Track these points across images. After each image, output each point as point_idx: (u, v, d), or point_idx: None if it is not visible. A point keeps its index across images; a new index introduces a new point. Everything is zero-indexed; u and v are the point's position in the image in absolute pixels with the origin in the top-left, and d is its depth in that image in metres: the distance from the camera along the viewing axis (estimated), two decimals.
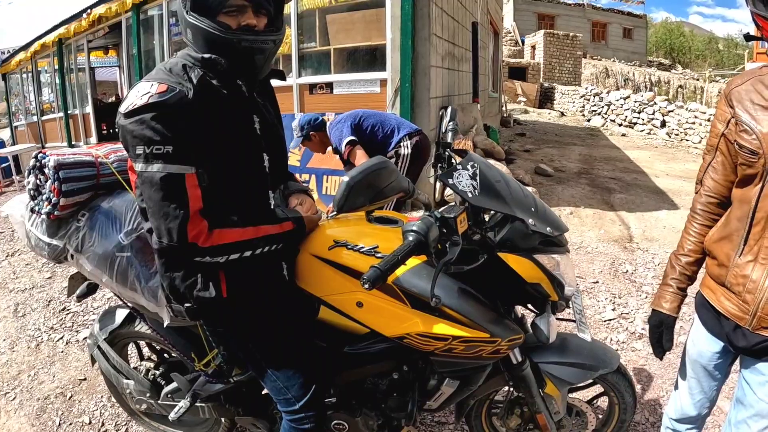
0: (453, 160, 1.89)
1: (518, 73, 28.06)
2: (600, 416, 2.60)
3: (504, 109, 18.63)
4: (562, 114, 22.44)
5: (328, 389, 2.11)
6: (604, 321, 4.34)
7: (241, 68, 1.72)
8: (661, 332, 2.00)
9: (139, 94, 1.57)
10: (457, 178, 1.72)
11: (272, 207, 1.92)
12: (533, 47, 31.25)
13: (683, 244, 1.99)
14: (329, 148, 4.95)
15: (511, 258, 1.80)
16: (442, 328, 1.80)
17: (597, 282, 5.10)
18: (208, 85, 1.68)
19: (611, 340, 4.03)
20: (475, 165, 1.78)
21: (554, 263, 1.90)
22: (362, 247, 1.87)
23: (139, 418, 2.89)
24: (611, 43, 39.67)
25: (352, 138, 4.59)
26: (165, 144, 1.56)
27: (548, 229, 1.83)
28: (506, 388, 2.37)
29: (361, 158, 4.52)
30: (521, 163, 9.64)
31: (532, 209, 1.83)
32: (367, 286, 1.40)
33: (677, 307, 1.99)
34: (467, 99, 9.89)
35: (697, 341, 2.01)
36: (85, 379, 3.64)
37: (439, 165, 1.92)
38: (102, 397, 3.40)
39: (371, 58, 6.80)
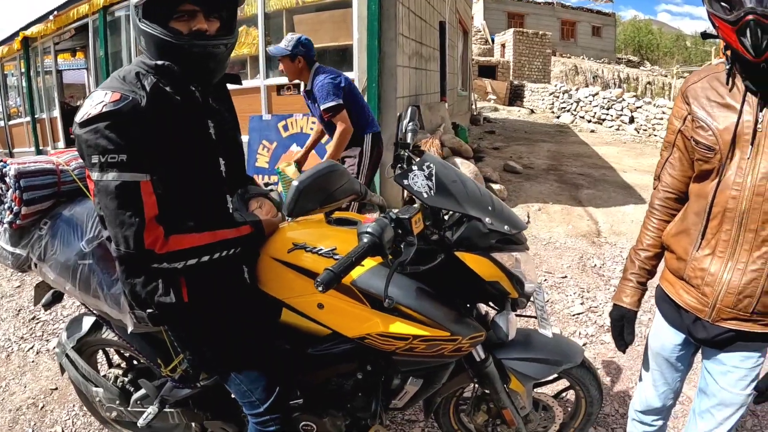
0: (412, 161, 1.90)
1: (488, 71, 28.19)
2: (568, 409, 2.64)
3: (474, 107, 18.71)
4: (532, 111, 22.57)
5: (294, 391, 2.11)
6: (573, 315, 4.39)
7: (193, 74, 1.73)
8: (623, 326, 2.04)
9: (93, 103, 1.58)
10: (413, 178, 1.73)
11: (230, 211, 1.93)
12: (503, 45, 31.40)
13: (642, 239, 2.03)
14: (302, 86, 4.73)
15: (469, 257, 1.82)
16: (402, 327, 1.81)
17: (566, 277, 5.16)
18: (161, 92, 1.68)
19: (580, 333, 4.08)
20: (431, 165, 1.78)
21: (513, 261, 1.92)
22: (321, 249, 1.88)
23: (110, 426, 2.86)
24: (580, 41, 39.99)
25: (341, 102, 4.43)
26: (119, 152, 1.56)
27: (506, 227, 1.84)
28: (472, 385, 2.39)
29: (342, 125, 4.42)
30: (490, 161, 9.66)
31: (489, 208, 1.84)
32: (320, 288, 1.41)
33: (638, 301, 2.03)
34: (435, 98, 9.92)
35: (659, 334, 2.05)
36: (56, 388, 3.60)
37: (399, 165, 1.92)
38: (74, 406, 3.36)
39: (339, 59, 6.80)
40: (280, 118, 6.38)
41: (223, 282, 1.89)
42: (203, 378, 2.23)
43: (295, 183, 1.58)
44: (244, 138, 6.57)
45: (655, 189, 2.01)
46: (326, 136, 4.92)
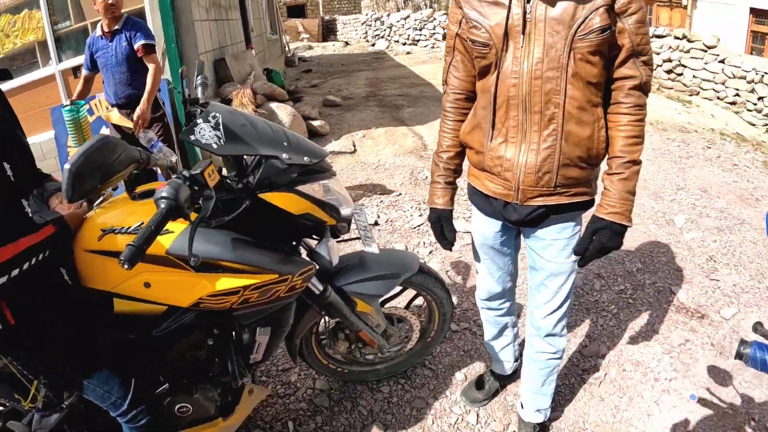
0: None
1: (297, 10, 27.79)
2: (422, 317, 2.77)
3: (287, 49, 18.40)
4: (347, 43, 22.47)
5: (156, 378, 2.07)
6: (414, 228, 4.61)
7: None
8: (442, 226, 2.16)
9: None
10: (200, 132, 1.70)
11: (29, 215, 1.79)
12: None
13: (441, 142, 2.14)
14: (100, 29, 4.61)
15: (273, 196, 1.84)
16: (230, 282, 1.82)
17: (400, 194, 5.36)
18: None
19: (424, 243, 4.30)
20: (217, 115, 1.75)
21: (322, 189, 1.96)
22: (129, 228, 1.82)
23: None
24: None
25: (155, 43, 4.55)
26: None
27: (305, 158, 1.88)
28: (323, 318, 2.46)
29: (154, 65, 4.51)
30: (309, 99, 9.54)
31: (284, 143, 1.86)
32: (126, 266, 1.34)
33: (450, 200, 2.15)
34: (241, 47, 9.64)
35: (478, 226, 2.20)
36: None
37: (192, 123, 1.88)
38: None
39: None
40: (82, 104, 5.97)
41: (43, 292, 1.79)
42: (66, 397, 2.12)
43: (66, 167, 1.50)
44: (50, 134, 6.11)
45: (445, 93, 2.12)
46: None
